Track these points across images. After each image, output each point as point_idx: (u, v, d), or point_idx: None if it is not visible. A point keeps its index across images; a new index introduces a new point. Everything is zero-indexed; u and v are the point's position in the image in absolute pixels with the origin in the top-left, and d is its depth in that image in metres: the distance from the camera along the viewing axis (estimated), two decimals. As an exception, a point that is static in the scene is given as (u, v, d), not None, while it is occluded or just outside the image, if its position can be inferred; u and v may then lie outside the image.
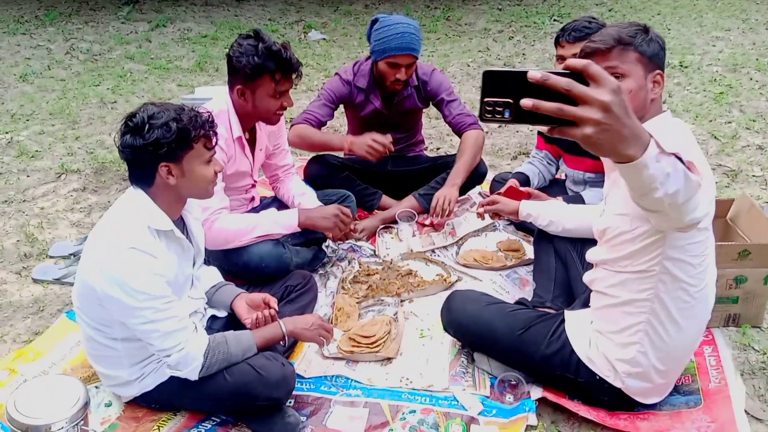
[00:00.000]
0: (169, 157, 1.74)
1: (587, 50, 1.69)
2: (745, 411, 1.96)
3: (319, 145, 2.97)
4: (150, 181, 1.78)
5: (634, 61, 1.66)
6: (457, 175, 2.94)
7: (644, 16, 7.91)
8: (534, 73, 0.88)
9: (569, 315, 2.00)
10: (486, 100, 0.93)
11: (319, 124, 2.96)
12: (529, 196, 2.59)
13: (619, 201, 1.69)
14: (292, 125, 2.97)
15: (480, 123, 2.91)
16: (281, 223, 2.49)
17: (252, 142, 2.58)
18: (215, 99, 2.45)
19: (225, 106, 2.40)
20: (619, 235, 1.71)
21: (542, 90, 0.89)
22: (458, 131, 3.04)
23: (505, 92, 0.92)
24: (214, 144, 1.85)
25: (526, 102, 0.89)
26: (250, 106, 2.39)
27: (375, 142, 2.77)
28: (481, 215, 2.55)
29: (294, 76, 2.37)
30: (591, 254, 1.89)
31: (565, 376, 1.94)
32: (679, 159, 1.08)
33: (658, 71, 1.68)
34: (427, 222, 3.07)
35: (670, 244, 1.61)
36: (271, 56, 2.28)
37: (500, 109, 0.93)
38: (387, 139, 2.79)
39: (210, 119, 1.83)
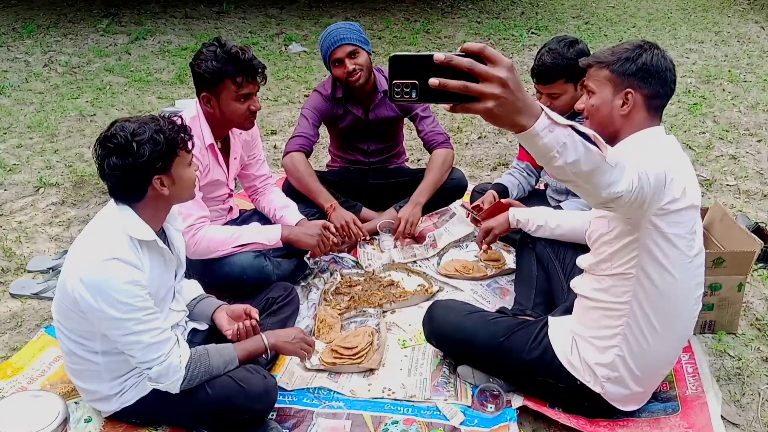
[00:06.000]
0: (162, 170, 1.75)
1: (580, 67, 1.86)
2: (722, 416, 2.00)
3: (306, 189, 2.93)
4: (140, 196, 1.78)
5: (603, 80, 1.76)
6: (422, 193, 2.98)
7: (620, 29, 8.06)
8: (439, 55, 0.97)
9: (552, 321, 2.03)
10: (395, 82, 1.01)
11: (312, 146, 3.00)
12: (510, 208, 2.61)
13: None
14: (287, 151, 2.95)
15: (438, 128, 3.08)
16: (264, 235, 2.49)
17: (226, 151, 2.58)
18: (187, 109, 2.45)
19: (195, 115, 2.40)
20: (599, 237, 1.77)
21: (444, 71, 0.98)
22: (429, 148, 3.09)
23: (411, 74, 1.00)
24: (191, 146, 1.87)
25: (434, 81, 0.97)
26: (218, 113, 2.38)
27: (353, 225, 2.84)
28: (487, 248, 2.57)
29: (259, 79, 2.37)
30: (580, 260, 1.95)
31: (547, 381, 1.96)
32: (577, 131, 1.18)
33: (627, 90, 1.73)
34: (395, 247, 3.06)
35: (645, 247, 1.65)
36: (231, 60, 2.28)
37: (408, 89, 1.01)
38: (363, 233, 2.90)
39: (184, 123, 1.84)
